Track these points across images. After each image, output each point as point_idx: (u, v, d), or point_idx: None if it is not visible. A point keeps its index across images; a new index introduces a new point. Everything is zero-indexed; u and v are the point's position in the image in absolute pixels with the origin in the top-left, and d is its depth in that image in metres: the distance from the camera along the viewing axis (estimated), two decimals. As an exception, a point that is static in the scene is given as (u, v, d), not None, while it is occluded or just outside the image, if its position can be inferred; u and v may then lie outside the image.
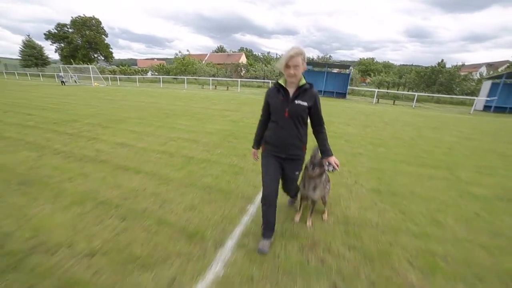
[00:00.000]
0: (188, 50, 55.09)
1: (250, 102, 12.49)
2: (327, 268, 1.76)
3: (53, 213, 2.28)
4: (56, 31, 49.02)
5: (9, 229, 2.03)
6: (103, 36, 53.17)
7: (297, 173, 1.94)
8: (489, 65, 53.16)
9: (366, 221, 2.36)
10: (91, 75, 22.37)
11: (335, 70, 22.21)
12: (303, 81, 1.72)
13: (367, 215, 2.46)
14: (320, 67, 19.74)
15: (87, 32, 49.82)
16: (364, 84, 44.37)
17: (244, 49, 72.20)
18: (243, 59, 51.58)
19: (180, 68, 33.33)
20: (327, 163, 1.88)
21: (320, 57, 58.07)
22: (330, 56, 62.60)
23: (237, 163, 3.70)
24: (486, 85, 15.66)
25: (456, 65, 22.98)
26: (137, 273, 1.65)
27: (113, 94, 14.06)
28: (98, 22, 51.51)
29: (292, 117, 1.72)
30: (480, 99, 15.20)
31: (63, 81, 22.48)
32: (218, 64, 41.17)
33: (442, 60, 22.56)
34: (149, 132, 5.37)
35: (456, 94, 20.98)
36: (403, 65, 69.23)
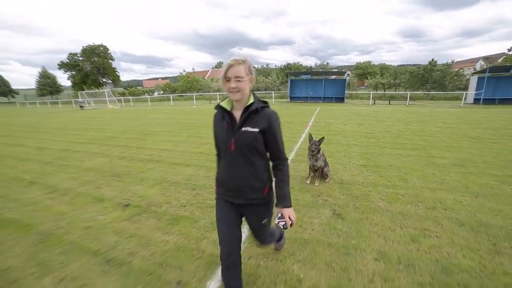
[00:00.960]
0: (193, 68, 57.83)
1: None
2: (329, 203, 2.88)
3: (145, 189, 3.47)
4: (68, 60, 52.24)
5: (129, 197, 3.22)
6: (110, 61, 56.33)
7: (264, 221, 1.44)
8: (486, 59, 53.97)
9: (355, 181, 3.48)
10: (107, 99, 24.14)
11: (333, 77, 23.61)
12: (252, 99, 1.29)
13: (356, 179, 3.59)
14: (318, 75, 21.19)
15: (96, 59, 52.92)
16: (363, 87, 45.76)
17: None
18: (243, 73, 53.68)
19: (186, 86, 35.26)
20: (278, 214, 1.39)
21: (317, 64, 60.11)
22: (327, 63, 64.66)
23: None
24: (473, 80, 16.81)
25: (447, 63, 24.23)
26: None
27: (131, 114, 15.55)
28: (106, 49, 54.68)
29: (240, 150, 1.28)
30: (470, 93, 16.32)
31: (81, 106, 24.31)
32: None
33: (433, 59, 23.85)
34: (182, 140, 6.61)
35: (450, 90, 22.07)
36: (401, 65, 70.70)
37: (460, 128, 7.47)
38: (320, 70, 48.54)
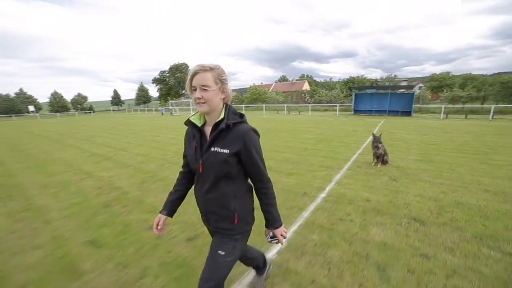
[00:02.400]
0: (261, 82, 63.24)
1: (322, 121, 15.39)
2: (387, 175, 4.40)
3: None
4: (158, 76, 64.57)
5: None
6: (189, 76, 66.62)
7: (221, 252, 1.17)
8: None
9: (409, 167, 4.85)
10: (190, 107, 29.51)
11: (401, 90, 23.07)
12: (222, 114, 1.10)
13: (410, 165, 4.95)
14: (384, 89, 21.24)
15: (178, 75, 63.63)
16: (439, 101, 41.40)
17: (305, 76, 77.14)
18: (306, 86, 55.59)
19: (253, 97, 39.20)
20: (270, 234, 1.29)
21: (383, 77, 56.98)
22: (395, 75, 60.40)
23: (330, 151, 6.60)
24: None
25: None
26: (287, 179, 4.69)
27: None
28: (187, 66, 65.18)
29: (208, 172, 1.12)
30: None
31: (171, 113, 30.33)
32: (283, 92, 46.23)
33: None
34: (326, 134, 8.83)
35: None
36: (498, 73, 59.77)
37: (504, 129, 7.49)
38: (387, 84, 46.22)
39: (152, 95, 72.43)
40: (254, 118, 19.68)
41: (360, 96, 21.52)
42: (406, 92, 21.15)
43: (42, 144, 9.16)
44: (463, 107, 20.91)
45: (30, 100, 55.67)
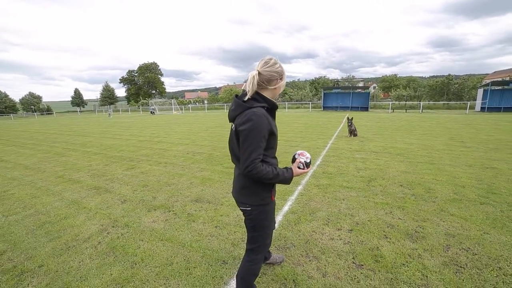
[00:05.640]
0: (234, 83, 65.56)
1: (301, 116, 18.76)
2: (358, 139, 7.53)
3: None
4: (126, 76, 62.53)
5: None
6: (159, 76, 65.82)
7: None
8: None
9: (368, 137, 8.07)
10: (172, 106, 30.72)
11: (358, 90, 27.85)
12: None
13: (369, 136, 8.18)
14: (347, 89, 25.76)
15: (148, 74, 62.51)
16: (389, 99, 48.70)
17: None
18: (275, 85, 59.45)
19: (229, 97, 41.47)
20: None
21: (343, 77, 63.88)
22: (353, 76, 67.98)
23: (319, 132, 9.65)
24: (480, 92, 20.15)
25: (468, 76, 27.31)
26: (304, 143, 7.62)
27: (205, 118, 21.22)
28: (156, 65, 64.29)
29: None
30: (476, 103, 19.70)
31: (152, 112, 31.08)
32: (255, 91, 49.40)
33: (449, 74, 27.11)
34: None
35: (467, 101, 25.09)
36: (433, 76, 71.35)
37: (442, 124, 11.59)
38: (346, 84, 52.43)
39: (119, 95, 69.65)
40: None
41: (328, 94, 25.57)
42: (363, 91, 25.78)
43: (76, 137, 10.54)
44: (405, 103, 26.22)
45: None
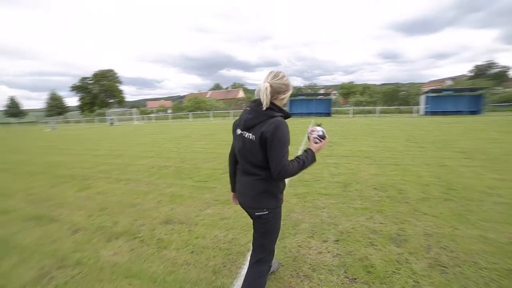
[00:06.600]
0: (199, 90, 64.04)
1: (268, 122, 18.93)
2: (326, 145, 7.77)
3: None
4: (79, 83, 56.82)
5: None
6: (117, 84, 61.21)
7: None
8: (452, 79, 62.87)
9: (335, 141, 8.40)
10: (134, 116, 28.70)
11: (320, 97, 29.49)
12: None
13: (336, 140, 8.51)
14: (310, 96, 27.00)
15: (105, 82, 57.73)
16: (349, 104, 52.60)
17: (237, 84, 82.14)
18: (241, 94, 59.90)
19: (194, 106, 40.37)
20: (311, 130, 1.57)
21: (306, 85, 67.19)
22: (315, 83, 72.01)
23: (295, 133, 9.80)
24: (422, 98, 23.03)
25: (411, 84, 30.87)
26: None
27: (170, 127, 20.19)
28: (114, 73, 59.84)
29: None
30: (421, 107, 22.36)
31: (111, 123, 28.63)
32: (220, 99, 49.09)
33: (397, 83, 30.48)
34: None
35: (413, 105, 28.28)
36: (384, 84, 79.44)
37: (391, 124, 12.75)
38: (309, 91, 55.22)
39: (71, 104, 62.78)
40: (209, 123, 21.70)
41: (294, 101, 26.45)
42: (325, 98, 27.31)
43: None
44: (364, 108, 28.52)
45: None
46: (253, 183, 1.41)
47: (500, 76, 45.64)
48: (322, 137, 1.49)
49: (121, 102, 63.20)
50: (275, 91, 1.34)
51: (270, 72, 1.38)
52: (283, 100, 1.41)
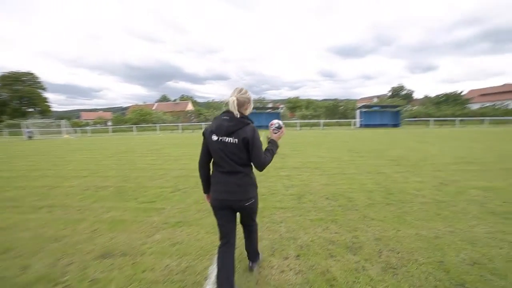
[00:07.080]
0: (144, 102, 59.11)
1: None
2: (277, 157, 7.99)
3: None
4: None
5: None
6: (39, 90, 52.08)
7: None
8: (378, 97, 74.11)
9: (287, 153, 8.73)
10: (64, 129, 24.64)
11: (268, 110, 30.93)
12: None
13: (287, 152, 8.85)
14: (260, 110, 28.06)
15: (20, 87, 48.48)
16: (295, 118, 56.45)
17: (185, 96, 79.44)
18: (190, 107, 58.07)
19: (138, 118, 37.21)
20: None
21: (254, 99, 69.28)
22: (264, 97, 75.10)
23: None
24: (358, 113, 26.65)
25: (348, 100, 35.18)
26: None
27: (111, 141, 17.97)
28: (35, 77, 50.89)
29: None
30: (357, 121, 25.65)
31: (30, 136, 23.85)
32: (168, 111, 46.65)
33: (336, 99, 34.40)
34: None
35: (351, 119, 32.11)
36: (325, 99, 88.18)
37: (330, 135, 14.15)
38: (258, 104, 57.43)
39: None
40: (156, 137, 20.13)
41: (245, 115, 27.06)
42: (274, 111, 28.73)
43: None
44: (309, 121, 30.91)
45: None
46: (240, 180, 1.67)
47: (408, 97, 56.77)
48: (279, 127, 1.87)
49: (45, 112, 53.80)
50: (241, 104, 1.67)
51: (236, 88, 1.71)
52: (247, 110, 1.74)
